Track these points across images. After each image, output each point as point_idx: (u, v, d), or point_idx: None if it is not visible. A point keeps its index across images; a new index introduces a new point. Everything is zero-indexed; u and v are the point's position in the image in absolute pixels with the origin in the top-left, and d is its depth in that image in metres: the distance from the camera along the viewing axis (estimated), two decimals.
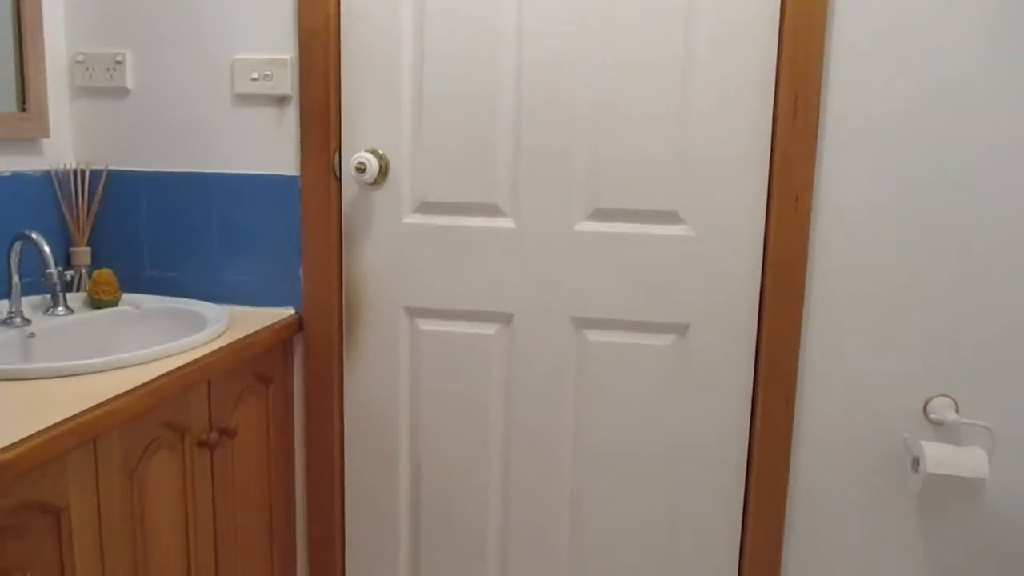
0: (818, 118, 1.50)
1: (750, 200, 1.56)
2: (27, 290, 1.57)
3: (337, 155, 1.68)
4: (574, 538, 1.72)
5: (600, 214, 1.61)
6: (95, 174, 1.74)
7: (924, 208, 1.49)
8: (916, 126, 1.47)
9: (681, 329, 1.62)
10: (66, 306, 1.55)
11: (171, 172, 1.73)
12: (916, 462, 1.50)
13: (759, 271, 1.58)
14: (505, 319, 1.68)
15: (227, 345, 1.46)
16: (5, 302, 1.50)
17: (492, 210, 1.65)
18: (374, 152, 1.65)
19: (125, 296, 1.69)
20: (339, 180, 1.69)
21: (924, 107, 1.47)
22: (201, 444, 1.39)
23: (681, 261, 1.59)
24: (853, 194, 1.51)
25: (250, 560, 1.60)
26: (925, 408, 1.54)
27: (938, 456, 1.46)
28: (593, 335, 1.65)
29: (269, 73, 1.66)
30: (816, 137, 1.50)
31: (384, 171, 1.66)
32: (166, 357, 1.36)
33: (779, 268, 1.54)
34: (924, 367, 1.54)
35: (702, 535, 1.67)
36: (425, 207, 1.67)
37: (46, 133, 1.66)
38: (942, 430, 1.54)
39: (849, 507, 1.60)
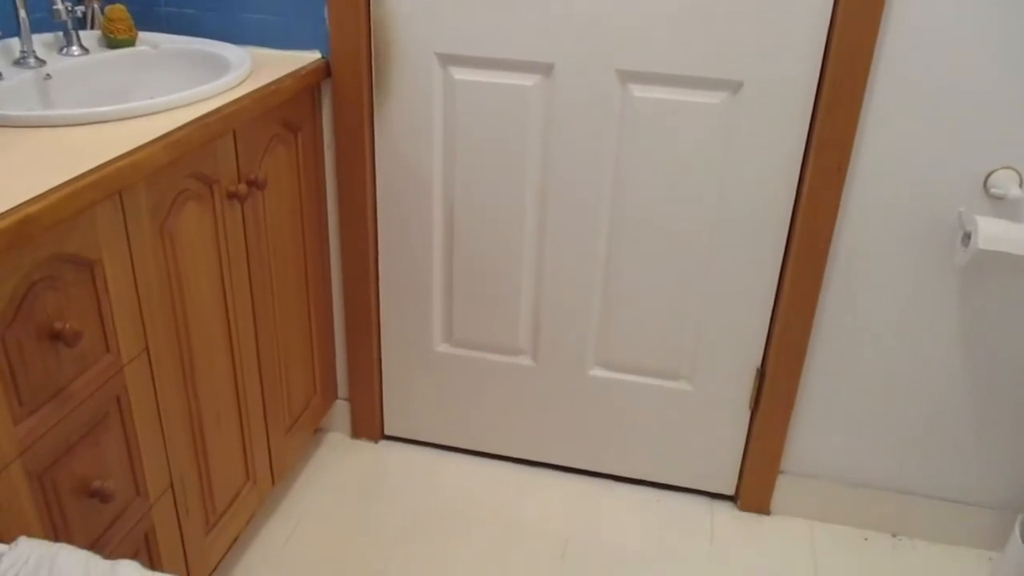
0: None
1: None
2: (36, 27, 1.47)
3: None
4: (606, 295, 1.73)
5: None
6: None
7: None
8: None
9: (734, 87, 1.50)
10: (80, 45, 1.46)
11: None
12: (967, 237, 1.45)
13: (826, 23, 1.43)
14: (545, 70, 1.57)
15: (252, 92, 1.39)
16: (15, 40, 1.41)
17: None
18: None
19: (141, 35, 1.59)
20: None
21: None
22: (231, 195, 1.37)
23: (739, 9, 1.44)
24: None
25: (287, 312, 1.64)
26: (986, 181, 1.46)
27: (992, 231, 1.40)
28: (639, 90, 1.54)
29: None
30: None
31: None
32: (189, 104, 1.29)
33: (849, 20, 1.39)
34: (990, 137, 1.43)
35: (735, 297, 1.67)
36: None
37: None
38: (1001, 205, 1.46)
39: (889, 279, 1.57)
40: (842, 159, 1.48)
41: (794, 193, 1.56)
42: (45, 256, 0.98)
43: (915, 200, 1.50)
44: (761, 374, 1.73)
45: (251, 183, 1.41)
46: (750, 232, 1.61)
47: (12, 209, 0.92)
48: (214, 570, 1.58)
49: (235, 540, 1.66)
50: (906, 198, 1.50)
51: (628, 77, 1.54)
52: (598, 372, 1.82)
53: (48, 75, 1.38)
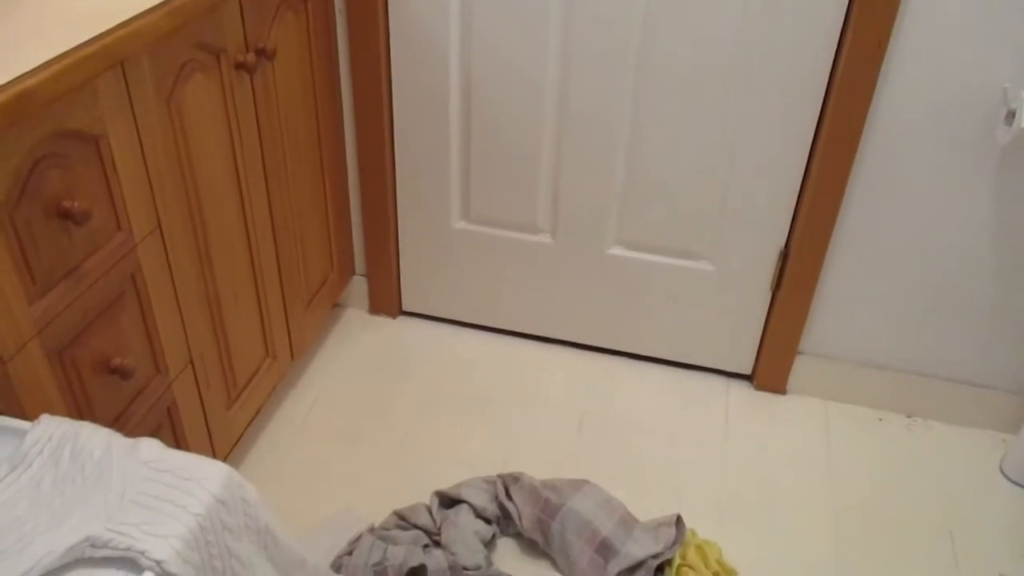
0: None
1: None
2: None
3: None
4: (628, 172, 1.68)
5: None
6: None
7: None
8: None
9: None
10: None
11: None
12: (1011, 115, 1.38)
13: None
14: None
15: None
16: None
17: None
18: None
19: None
20: None
21: None
22: (239, 66, 1.31)
23: None
24: None
25: (301, 186, 1.60)
26: None
27: None
28: None
29: None
30: None
31: None
32: None
33: None
34: None
35: (762, 175, 1.62)
36: None
37: None
38: None
39: (924, 157, 1.51)
40: (882, 31, 1.39)
41: (830, 67, 1.48)
42: (48, 132, 0.95)
43: (957, 75, 1.42)
44: (784, 255, 1.69)
45: (259, 52, 1.35)
46: (781, 107, 1.54)
47: (9, 83, 0.87)
48: (237, 442, 1.62)
49: (257, 413, 1.69)
50: (948, 72, 1.42)
51: None
52: (618, 251, 1.79)
53: None
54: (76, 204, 0.98)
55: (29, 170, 0.93)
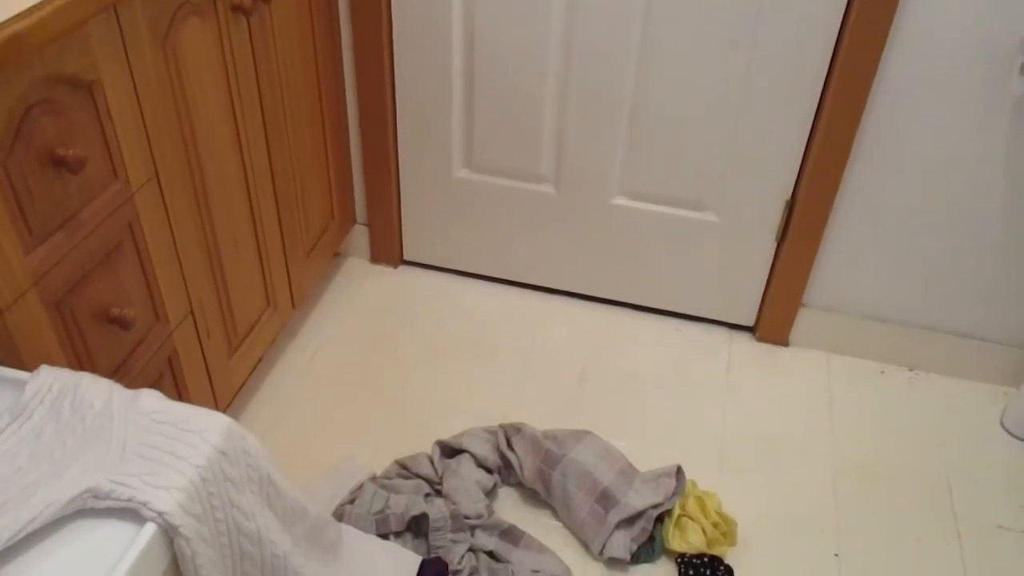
0: None
1: None
2: None
3: None
4: (633, 119, 1.65)
5: None
6: None
7: None
8: None
9: None
10: None
11: None
12: None
13: None
14: None
15: None
16: None
17: None
18: None
19: None
20: None
21: None
22: (235, 8, 1.27)
23: None
24: None
25: (301, 134, 1.58)
26: None
27: None
28: None
29: None
30: None
31: None
32: None
33: None
34: None
35: (770, 123, 1.59)
36: None
37: None
38: None
39: (936, 107, 1.48)
40: None
41: (842, 13, 1.44)
42: (40, 77, 0.92)
43: (973, 23, 1.38)
44: (790, 206, 1.67)
45: None
46: (791, 54, 1.50)
47: None
48: (238, 391, 1.62)
49: (258, 363, 1.69)
50: (962, 20, 1.38)
51: None
52: (622, 201, 1.77)
53: None
54: (71, 152, 0.96)
55: (21, 116, 0.91)
